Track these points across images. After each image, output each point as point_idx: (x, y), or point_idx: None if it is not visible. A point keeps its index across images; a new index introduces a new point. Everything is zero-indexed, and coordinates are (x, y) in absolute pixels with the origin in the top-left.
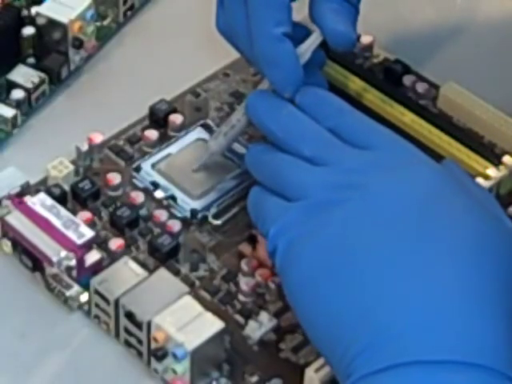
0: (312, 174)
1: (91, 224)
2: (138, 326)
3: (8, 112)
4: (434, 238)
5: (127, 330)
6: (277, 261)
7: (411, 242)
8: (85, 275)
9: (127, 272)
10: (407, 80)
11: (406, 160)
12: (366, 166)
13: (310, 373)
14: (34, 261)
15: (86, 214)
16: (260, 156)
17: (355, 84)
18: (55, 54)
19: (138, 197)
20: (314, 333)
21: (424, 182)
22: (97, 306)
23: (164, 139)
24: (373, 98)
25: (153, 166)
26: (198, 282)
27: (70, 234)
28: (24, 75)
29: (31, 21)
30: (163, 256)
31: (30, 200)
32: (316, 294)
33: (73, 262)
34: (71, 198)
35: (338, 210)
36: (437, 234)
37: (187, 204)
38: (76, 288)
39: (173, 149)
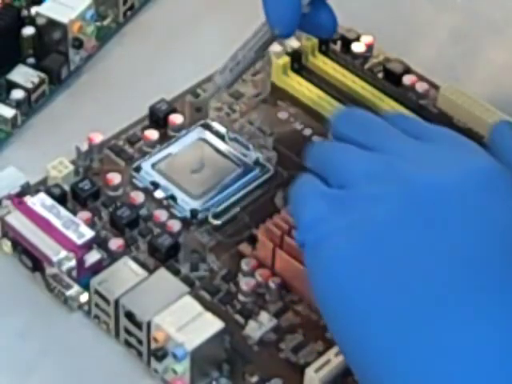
0: (359, 158)
1: (91, 224)
2: (138, 326)
3: (8, 112)
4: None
5: (127, 330)
6: (306, 259)
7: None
8: (85, 275)
9: (127, 272)
10: (407, 80)
11: (465, 155)
12: (420, 154)
13: (310, 373)
14: (34, 261)
15: (85, 214)
16: (320, 145)
17: (355, 84)
18: (55, 54)
19: (138, 197)
20: (343, 344)
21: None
22: (97, 306)
23: (164, 139)
24: (373, 97)
25: (153, 165)
26: (197, 282)
27: (70, 234)
28: (24, 75)
29: (31, 21)
30: (163, 256)
31: (29, 200)
32: (351, 311)
33: (73, 262)
34: (71, 198)
35: (381, 206)
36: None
37: (187, 204)
38: (76, 288)
39: (173, 149)
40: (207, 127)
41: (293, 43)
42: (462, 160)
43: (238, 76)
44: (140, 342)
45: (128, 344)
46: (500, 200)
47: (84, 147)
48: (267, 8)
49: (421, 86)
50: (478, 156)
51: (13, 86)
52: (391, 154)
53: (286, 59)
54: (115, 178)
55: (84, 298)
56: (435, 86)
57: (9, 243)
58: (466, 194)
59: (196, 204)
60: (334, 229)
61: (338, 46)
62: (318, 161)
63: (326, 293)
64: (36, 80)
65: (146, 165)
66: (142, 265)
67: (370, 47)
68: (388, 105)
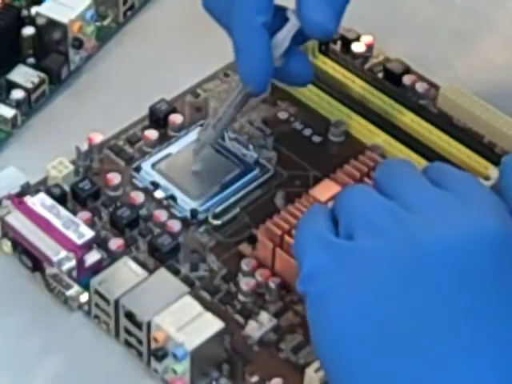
0: (371, 205)
1: (91, 224)
2: (138, 326)
3: (8, 112)
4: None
5: (127, 330)
6: (307, 308)
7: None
8: (85, 275)
9: (127, 272)
10: (407, 80)
11: (480, 212)
12: (434, 206)
13: (310, 373)
14: (34, 261)
15: (85, 214)
16: (348, 188)
17: (355, 84)
18: (55, 54)
19: (138, 197)
20: None
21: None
22: (97, 306)
23: (164, 139)
24: (373, 97)
25: (153, 165)
26: (197, 282)
27: (70, 234)
28: (24, 75)
29: (31, 21)
30: (163, 256)
31: (29, 200)
32: (350, 369)
33: (73, 262)
34: (71, 197)
35: (382, 262)
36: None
37: (187, 204)
38: (76, 288)
39: (173, 149)
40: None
41: None
42: (474, 219)
43: (221, 131)
44: (140, 341)
45: (128, 344)
46: (505, 266)
47: (84, 147)
48: (239, 66)
49: (421, 86)
50: (490, 215)
51: (13, 85)
52: (405, 202)
53: None
54: (115, 177)
55: (84, 298)
56: (435, 86)
57: (9, 243)
58: (469, 258)
59: (196, 204)
60: (335, 283)
61: (338, 46)
62: (337, 201)
63: (325, 345)
64: (36, 80)
65: (146, 165)
66: (142, 265)
67: (370, 47)
68: (388, 105)
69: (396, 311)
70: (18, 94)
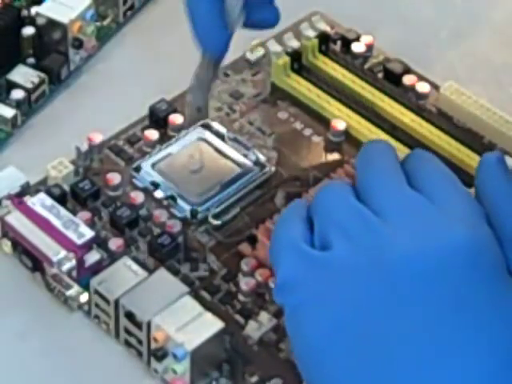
0: (343, 209)
1: (91, 224)
2: (138, 326)
3: (8, 112)
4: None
5: (127, 330)
6: (285, 321)
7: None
8: (85, 275)
9: (127, 272)
10: (407, 80)
11: (453, 222)
12: (405, 213)
13: None
14: (34, 261)
15: (85, 214)
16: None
17: (355, 84)
18: (55, 54)
19: (138, 197)
20: None
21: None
22: (97, 306)
23: (164, 139)
24: (373, 97)
25: (153, 165)
26: (197, 282)
27: (70, 234)
28: (24, 75)
29: (31, 21)
30: (163, 256)
31: (29, 200)
32: (324, 377)
33: (73, 262)
34: (71, 198)
35: (353, 274)
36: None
37: (187, 204)
38: (76, 288)
39: (173, 149)
40: (207, 127)
41: (293, 43)
42: (444, 230)
43: (206, 95)
44: (140, 342)
45: (128, 344)
46: (478, 278)
47: (84, 147)
48: (192, 33)
49: (421, 86)
50: (462, 226)
51: (13, 85)
52: (378, 204)
53: (286, 59)
54: (115, 178)
55: (84, 298)
56: (435, 86)
57: (9, 243)
58: (438, 272)
59: (196, 204)
60: (309, 296)
61: (337, 46)
62: (314, 201)
63: (303, 358)
64: (36, 80)
65: (146, 165)
66: (142, 265)
67: (370, 47)
68: (388, 105)
69: (370, 324)
70: (17, 94)
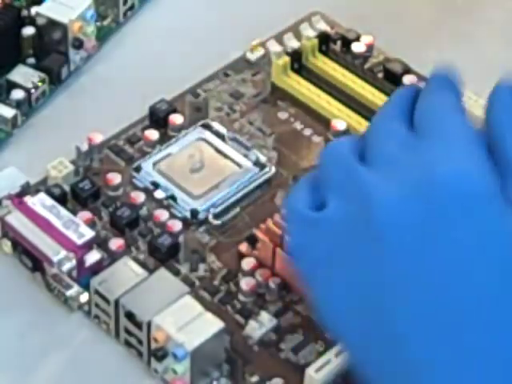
0: (338, 161)
1: (91, 224)
2: (138, 326)
3: (8, 112)
4: None
5: (127, 330)
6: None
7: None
8: (85, 275)
9: (127, 272)
10: (407, 80)
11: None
12: (396, 160)
13: (310, 373)
14: (34, 261)
15: (85, 214)
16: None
17: (355, 84)
18: (55, 54)
19: (138, 197)
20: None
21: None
22: (97, 306)
23: (164, 139)
24: (373, 98)
25: (153, 165)
26: (197, 282)
27: (70, 234)
28: (24, 75)
29: (31, 21)
30: (163, 256)
31: (30, 200)
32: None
33: (73, 262)
34: (71, 197)
35: (347, 228)
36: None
37: (187, 204)
38: (76, 288)
39: (173, 149)
40: (207, 127)
41: (293, 43)
42: (426, 168)
43: None
44: (140, 342)
45: (128, 344)
46: (461, 227)
47: (84, 147)
48: None
49: (421, 86)
50: (448, 161)
51: (13, 86)
52: (369, 155)
53: (286, 59)
54: (115, 177)
55: (84, 297)
56: None
57: (9, 243)
58: (422, 221)
59: (196, 204)
60: (314, 259)
61: (337, 46)
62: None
63: (323, 320)
64: (36, 80)
65: (146, 165)
66: (142, 265)
67: (370, 47)
68: None
69: (371, 279)
70: (17, 94)
